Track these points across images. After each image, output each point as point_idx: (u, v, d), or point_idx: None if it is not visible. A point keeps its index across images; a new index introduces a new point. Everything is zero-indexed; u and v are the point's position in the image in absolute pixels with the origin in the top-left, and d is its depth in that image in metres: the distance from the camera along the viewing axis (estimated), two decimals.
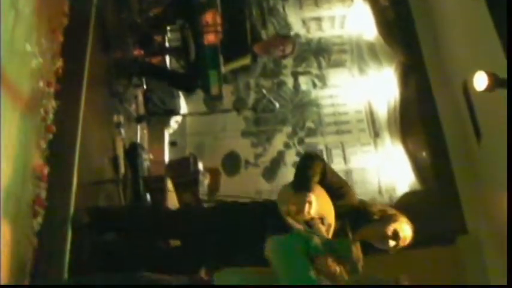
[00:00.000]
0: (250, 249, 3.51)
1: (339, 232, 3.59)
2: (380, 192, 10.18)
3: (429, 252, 6.19)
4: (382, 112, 10.28)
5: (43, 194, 4.09)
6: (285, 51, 6.42)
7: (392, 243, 3.85)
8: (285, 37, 6.72)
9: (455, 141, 7.14)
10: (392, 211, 4.08)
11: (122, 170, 5.93)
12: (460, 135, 7.03)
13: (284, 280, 2.99)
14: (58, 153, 4.31)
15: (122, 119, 6.19)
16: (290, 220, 3.83)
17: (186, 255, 4.36)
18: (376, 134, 10.50)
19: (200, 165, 7.20)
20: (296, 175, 4.07)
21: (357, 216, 3.98)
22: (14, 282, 3.54)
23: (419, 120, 8.55)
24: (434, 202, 7.25)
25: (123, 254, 4.55)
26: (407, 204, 7.44)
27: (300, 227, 3.75)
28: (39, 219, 4.00)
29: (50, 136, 4.29)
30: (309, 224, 3.76)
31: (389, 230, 3.88)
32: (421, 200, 7.58)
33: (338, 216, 3.93)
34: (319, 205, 3.87)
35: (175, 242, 4.68)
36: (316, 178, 3.98)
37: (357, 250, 3.17)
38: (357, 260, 3.16)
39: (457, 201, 6.76)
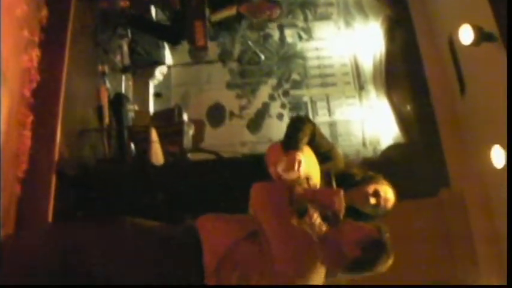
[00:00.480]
0: (236, 203, 3.53)
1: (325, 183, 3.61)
2: (364, 144, 10.19)
3: (412, 204, 6.23)
4: (367, 65, 10.24)
5: (27, 142, 4.09)
6: (272, 16, 6.41)
7: (373, 200, 3.90)
8: (272, 2, 6.66)
9: (439, 95, 7.14)
10: (372, 173, 4.13)
11: (107, 120, 5.91)
12: (445, 89, 7.03)
13: (266, 227, 3.01)
14: (42, 102, 4.30)
15: (106, 69, 6.16)
16: (276, 177, 3.85)
17: (171, 208, 4.39)
18: (361, 87, 10.47)
19: (185, 116, 7.19)
20: (286, 135, 4.08)
21: (342, 179, 4.01)
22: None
23: (404, 74, 8.54)
24: (418, 155, 7.29)
25: (107, 207, 4.57)
26: (391, 157, 7.49)
27: None
28: (23, 167, 4.01)
29: (34, 85, 4.28)
30: (296, 182, 3.80)
31: (370, 188, 3.94)
32: (405, 153, 7.61)
33: (324, 178, 3.97)
34: (306, 165, 3.89)
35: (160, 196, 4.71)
36: (306, 139, 4.01)
37: (339, 200, 3.19)
38: (339, 210, 3.18)
39: (441, 154, 6.79)
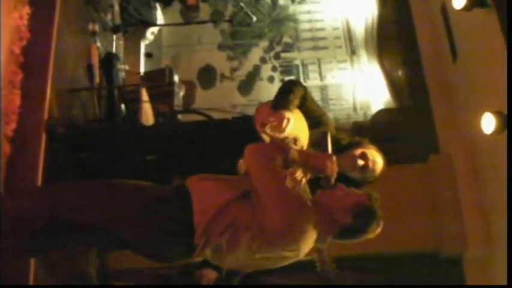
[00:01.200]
0: (225, 164, 3.53)
1: (318, 146, 3.61)
2: (355, 108, 10.22)
3: (401, 169, 6.25)
4: (359, 30, 10.23)
5: (17, 101, 4.07)
6: None
7: (360, 162, 3.91)
8: None
9: (431, 61, 7.13)
10: (359, 138, 4.14)
11: (97, 79, 5.88)
12: (437, 55, 7.01)
13: (259, 188, 3.01)
14: (32, 60, 4.27)
15: (97, 28, 6.11)
16: (265, 136, 3.91)
17: (161, 168, 4.39)
18: (353, 52, 10.46)
19: (176, 77, 7.15)
20: (276, 96, 4.10)
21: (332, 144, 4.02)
22: None
23: (396, 39, 8.53)
24: (408, 120, 7.30)
25: (97, 168, 4.57)
26: (381, 121, 7.48)
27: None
28: (13, 126, 3.99)
29: (24, 42, 4.24)
30: (283, 142, 3.81)
31: (357, 151, 3.96)
32: (395, 118, 7.62)
33: (313, 143, 3.97)
34: (295, 126, 3.92)
35: (149, 156, 4.71)
36: (296, 101, 4.02)
37: (331, 164, 3.19)
38: (331, 175, 3.19)
39: (431, 120, 6.80)
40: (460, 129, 6.39)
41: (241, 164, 3.19)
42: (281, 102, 4.00)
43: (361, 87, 10.19)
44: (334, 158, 3.26)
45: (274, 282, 5.98)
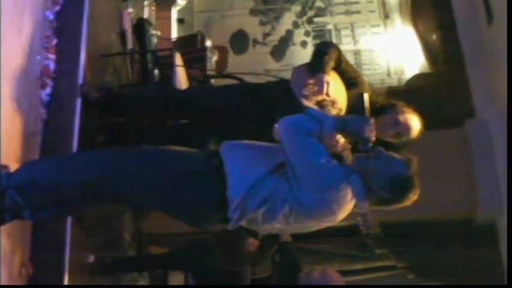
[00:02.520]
0: (258, 129, 3.52)
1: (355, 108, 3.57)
2: (389, 74, 10.14)
3: (437, 134, 6.19)
4: None
5: (51, 66, 4.08)
6: None
7: (394, 129, 3.89)
8: None
9: (466, 24, 7.03)
10: (394, 101, 4.09)
11: (130, 45, 5.87)
12: (472, 18, 6.91)
13: (295, 159, 2.98)
14: (66, 24, 4.27)
15: None
16: (303, 100, 3.86)
17: (194, 132, 4.39)
18: (386, 16, 10.35)
19: (208, 43, 7.13)
20: (312, 59, 4.10)
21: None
22: (24, 153, 3.57)
23: (430, 2, 8.42)
24: (443, 85, 7.23)
25: (131, 132, 4.58)
26: (416, 87, 7.42)
27: (311, 106, 3.76)
28: (48, 91, 4.01)
29: (58, 8, 4.24)
30: (321, 105, 3.79)
31: (391, 118, 3.93)
32: (430, 83, 7.55)
33: (350, 105, 3.94)
34: (333, 89, 3.91)
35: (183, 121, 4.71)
36: (332, 63, 4.02)
37: (369, 127, 3.14)
38: (369, 138, 3.13)
39: (466, 84, 6.72)
40: (496, 93, 6.31)
41: (277, 128, 3.15)
42: (318, 65, 3.99)
43: (395, 51, 10.11)
44: (372, 120, 3.18)
45: (312, 248, 6.01)
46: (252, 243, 4.74)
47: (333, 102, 3.86)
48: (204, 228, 3.41)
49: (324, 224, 3.18)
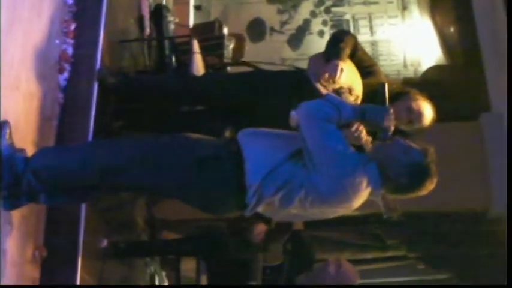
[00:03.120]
0: (275, 115, 3.53)
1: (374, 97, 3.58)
2: (405, 65, 10.10)
3: (452, 127, 6.19)
4: None
5: (69, 50, 4.10)
6: None
7: (406, 117, 3.89)
8: None
9: (484, 18, 7.01)
10: (407, 89, 4.11)
11: (148, 31, 5.89)
12: (490, 11, 6.89)
13: (312, 146, 3.00)
14: (85, 9, 4.30)
15: None
16: (319, 86, 3.88)
17: (210, 118, 4.41)
18: (404, 7, 10.30)
19: (225, 30, 7.13)
20: (328, 46, 4.10)
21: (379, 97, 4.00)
22: (40, 137, 3.60)
23: None
24: (459, 78, 7.22)
25: (147, 118, 4.61)
26: (432, 79, 7.41)
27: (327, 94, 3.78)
28: (65, 75, 4.03)
29: None
30: (338, 92, 3.79)
31: (403, 104, 3.93)
32: (446, 75, 7.53)
33: (365, 94, 3.96)
34: (348, 76, 3.91)
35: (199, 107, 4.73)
36: (348, 51, 4.02)
37: (389, 116, 3.15)
38: (389, 127, 3.14)
39: (482, 78, 6.71)
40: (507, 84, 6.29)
41: (294, 116, 3.16)
42: (333, 52, 4.00)
43: (412, 43, 10.07)
44: (392, 110, 3.19)
45: (324, 236, 6.03)
46: (260, 229, 4.75)
47: (350, 90, 3.88)
48: (220, 215, 3.44)
49: (340, 211, 3.20)
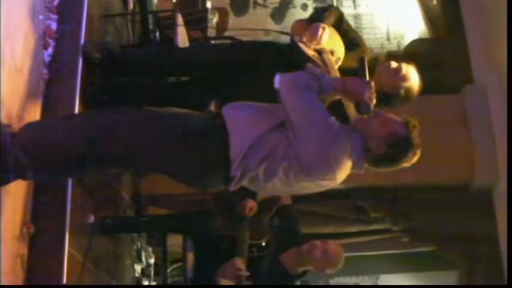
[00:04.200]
0: (260, 85, 3.56)
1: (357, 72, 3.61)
2: (388, 38, 10.13)
3: (435, 99, 6.22)
4: None
5: (53, 26, 4.08)
6: None
7: (391, 81, 3.90)
8: None
9: None
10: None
11: (131, 5, 5.86)
12: None
13: (294, 118, 3.01)
14: None
15: None
16: (302, 45, 3.93)
17: (195, 89, 4.44)
18: None
19: (209, 4, 7.11)
20: (312, 14, 4.25)
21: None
22: (26, 112, 3.59)
23: None
24: (443, 50, 7.22)
25: (133, 91, 4.61)
26: (415, 52, 7.40)
27: (310, 52, 3.88)
28: (50, 51, 4.01)
29: None
30: (319, 52, 3.89)
31: (392, 63, 3.96)
32: (430, 48, 7.53)
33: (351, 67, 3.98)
34: (331, 41, 3.98)
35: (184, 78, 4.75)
36: (331, 19, 4.09)
37: (370, 89, 3.17)
38: (370, 100, 3.17)
39: (465, 50, 6.72)
40: (495, 60, 6.31)
41: (278, 78, 3.17)
42: (316, 16, 4.11)
43: (395, 16, 10.09)
44: (372, 83, 3.22)
45: (308, 210, 6.05)
46: (251, 206, 4.76)
47: (332, 52, 3.95)
48: (205, 189, 3.45)
49: (325, 184, 3.21)
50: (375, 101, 3.20)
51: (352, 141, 3.05)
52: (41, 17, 3.93)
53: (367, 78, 3.33)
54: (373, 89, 3.19)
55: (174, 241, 5.70)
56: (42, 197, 3.68)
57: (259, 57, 4.27)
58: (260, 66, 4.16)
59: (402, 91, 3.94)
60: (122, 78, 4.69)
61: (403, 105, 3.93)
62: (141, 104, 3.62)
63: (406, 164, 3.10)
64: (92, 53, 4.26)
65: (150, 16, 6.09)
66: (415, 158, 3.10)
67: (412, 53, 7.35)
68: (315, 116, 3.01)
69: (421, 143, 3.09)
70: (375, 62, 4.16)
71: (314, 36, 3.91)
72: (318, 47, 3.93)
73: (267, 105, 3.30)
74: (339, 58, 4.00)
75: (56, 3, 4.12)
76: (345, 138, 3.04)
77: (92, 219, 4.38)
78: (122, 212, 5.39)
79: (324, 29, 3.93)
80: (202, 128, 3.13)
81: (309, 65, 3.25)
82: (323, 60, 3.86)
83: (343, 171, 3.11)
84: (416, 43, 7.96)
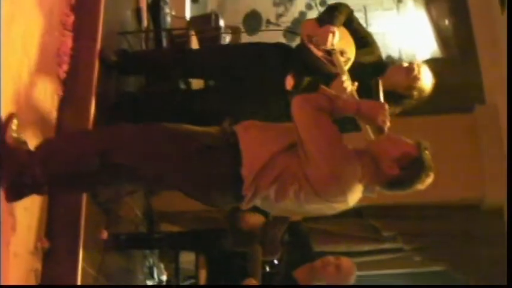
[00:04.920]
0: (269, 85, 3.74)
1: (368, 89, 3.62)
2: (400, 58, 10.13)
3: (447, 119, 6.24)
4: None
5: (69, 42, 4.12)
6: None
7: (404, 82, 3.95)
8: None
9: (479, 11, 7.03)
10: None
11: (145, 23, 5.90)
12: (485, 4, 6.91)
13: (306, 139, 3.01)
14: (83, 2, 4.32)
15: None
16: (311, 46, 3.99)
17: (208, 98, 4.50)
18: (400, 0, 10.34)
19: (222, 23, 7.15)
20: (323, 13, 4.26)
21: (379, 66, 4.14)
22: (41, 128, 3.63)
23: None
24: (455, 70, 7.23)
25: (146, 101, 4.64)
26: None
27: (319, 53, 3.94)
28: (65, 67, 4.05)
29: None
30: (329, 52, 3.93)
31: (404, 64, 4.08)
32: (442, 68, 7.54)
33: (361, 65, 4.04)
34: (341, 41, 4.01)
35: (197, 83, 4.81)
36: (342, 18, 4.09)
37: (384, 112, 3.17)
38: (383, 124, 3.16)
39: (477, 70, 6.74)
40: (506, 79, 6.32)
41: (289, 79, 3.18)
42: (326, 17, 4.09)
43: (407, 35, 10.09)
44: (386, 106, 3.21)
45: (321, 228, 6.05)
46: (255, 220, 4.75)
47: (342, 52, 3.96)
48: (217, 206, 3.46)
49: (336, 207, 3.20)
50: (388, 123, 3.19)
51: (362, 164, 3.04)
52: (56, 33, 3.97)
53: (381, 100, 3.33)
54: (387, 112, 3.19)
55: (187, 258, 5.70)
56: (57, 213, 3.71)
57: (268, 57, 4.30)
58: (269, 66, 4.21)
59: (415, 92, 3.96)
60: (136, 88, 4.76)
61: (415, 106, 3.96)
62: (155, 112, 3.67)
63: (419, 186, 3.07)
64: (110, 56, 4.36)
65: (163, 34, 6.13)
66: (429, 180, 3.07)
67: None
68: (326, 138, 3.01)
69: (434, 167, 3.08)
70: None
71: (324, 41, 3.94)
72: (328, 48, 3.96)
73: (280, 125, 3.32)
74: (349, 59, 4.00)
75: (71, 20, 4.17)
76: (356, 161, 3.03)
77: (105, 235, 4.41)
78: (134, 228, 5.40)
79: (334, 33, 3.95)
80: (216, 146, 3.14)
81: (323, 86, 3.24)
82: (332, 61, 3.90)
83: (355, 194, 3.10)
84: (427, 63, 7.96)
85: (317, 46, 3.96)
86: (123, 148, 3.13)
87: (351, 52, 4.03)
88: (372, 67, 4.11)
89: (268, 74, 4.12)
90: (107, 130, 3.48)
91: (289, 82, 4.13)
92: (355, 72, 3.85)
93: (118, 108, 4.48)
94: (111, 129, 3.49)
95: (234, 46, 4.89)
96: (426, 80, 3.98)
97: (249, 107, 4.17)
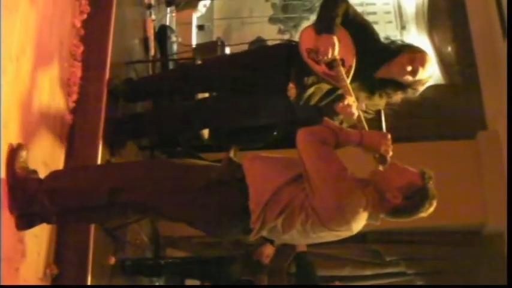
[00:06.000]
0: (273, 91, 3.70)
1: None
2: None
3: (450, 145, 6.29)
4: (410, 5, 10.16)
5: (78, 73, 4.20)
6: None
7: (409, 68, 3.87)
8: None
9: (481, 38, 7.09)
10: (408, 43, 4.15)
11: (152, 51, 6.00)
12: (487, 31, 6.97)
13: (311, 172, 3.05)
14: (92, 33, 4.39)
15: (152, 0, 6.22)
16: (311, 62, 3.91)
17: (214, 112, 4.55)
18: (403, 27, 10.40)
19: (227, 50, 7.22)
20: (318, 16, 4.08)
21: (379, 55, 4.03)
22: (51, 158, 3.71)
23: (447, 14, 8.48)
24: (457, 97, 7.28)
25: (153, 121, 4.70)
26: (430, 97, 7.47)
27: (320, 69, 3.88)
28: (74, 97, 4.13)
29: (85, 16, 4.35)
30: (331, 66, 3.86)
31: (405, 57, 3.91)
32: (444, 94, 7.60)
33: (360, 55, 3.99)
34: (340, 47, 3.89)
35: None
36: (339, 20, 3.97)
37: (386, 142, 3.21)
38: (386, 153, 3.21)
39: (479, 97, 6.79)
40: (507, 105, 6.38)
41: (292, 88, 3.21)
42: (324, 25, 3.94)
43: None
44: (389, 136, 3.26)
45: (324, 253, 6.08)
46: (268, 254, 4.80)
47: (343, 61, 3.89)
48: (225, 239, 3.48)
49: (341, 234, 3.23)
50: (391, 153, 3.24)
51: (367, 193, 3.08)
52: (65, 64, 4.06)
53: (384, 130, 3.35)
54: (390, 141, 3.23)
55: (193, 283, 5.73)
56: (65, 240, 3.78)
57: (271, 58, 4.30)
58: (273, 67, 4.21)
59: (415, 82, 3.96)
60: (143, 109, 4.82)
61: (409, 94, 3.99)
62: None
63: (423, 215, 3.12)
64: (118, 86, 4.45)
65: (170, 62, 6.23)
66: (432, 209, 3.11)
67: (427, 98, 7.42)
68: (330, 169, 3.05)
69: (437, 193, 3.11)
70: (386, 41, 4.19)
71: (324, 55, 3.84)
72: (330, 59, 3.87)
73: (285, 158, 3.37)
74: (351, 66, 3.93)
75: (80, 50, 4.25)
76: (361, 191, 3.06)
77: (112, 261, 4.46)
78: (140, 252, 5.45)
79: (334, 45, 3.84)
80: (223, 181, 3.19)
81: (326, 118, 3.28)
82: (332, 76, 3.86)
83: (359, 223, 3.13)
84: (430, 89, 8.04)
85: (317, 61, 3.88)
86: (133, 188, 3.20)
87: (351, 57, 3.96)
88: (372, 57, 4.05)
89: (272, 71, 4.15)
90: (116, 167, 3.55)
91: (292, 91, 4.08)
92: (360, 61, 3.91)
93: (123, 125, 4.57)
94: (120, 166, 3.57)
95: (238, 54, 4.92)
96: (428, 67, 3.92)
97: (255, 106, 4.28)
